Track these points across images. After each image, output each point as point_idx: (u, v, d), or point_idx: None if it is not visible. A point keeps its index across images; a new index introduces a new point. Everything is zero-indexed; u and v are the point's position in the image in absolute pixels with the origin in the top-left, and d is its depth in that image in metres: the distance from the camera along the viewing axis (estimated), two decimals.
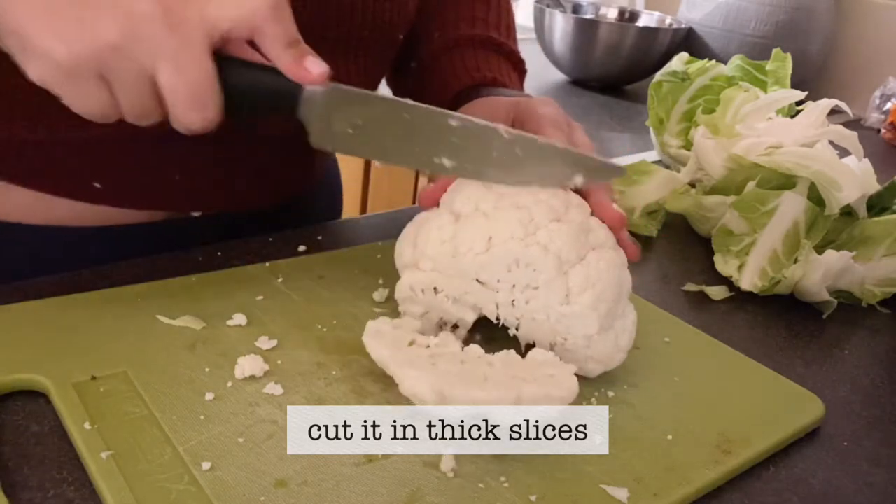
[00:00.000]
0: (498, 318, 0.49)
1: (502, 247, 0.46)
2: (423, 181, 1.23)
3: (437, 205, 0.52)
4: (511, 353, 0.46)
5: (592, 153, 0.49)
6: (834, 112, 0.82)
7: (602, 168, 0.49)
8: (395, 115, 0.48)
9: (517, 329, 0.49)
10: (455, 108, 0.61)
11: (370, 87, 0.68)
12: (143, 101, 0.43)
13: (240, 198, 0.66)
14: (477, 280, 0.48)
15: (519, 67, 0.71)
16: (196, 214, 0.65)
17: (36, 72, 0.41)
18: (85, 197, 0.60)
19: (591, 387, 0.49)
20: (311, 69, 0.45)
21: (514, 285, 0.47)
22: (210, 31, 0.42)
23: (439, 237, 0.49)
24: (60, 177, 0.58)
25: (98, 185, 0.59)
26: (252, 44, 0.45)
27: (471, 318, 0.49)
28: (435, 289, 0.49)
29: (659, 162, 0.96)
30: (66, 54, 0.40)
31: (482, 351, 0.46)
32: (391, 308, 0.53)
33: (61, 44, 0.40)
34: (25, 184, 0.58)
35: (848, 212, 0.71)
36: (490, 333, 0.50)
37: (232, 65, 0.44)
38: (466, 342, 0.50)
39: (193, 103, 0.43)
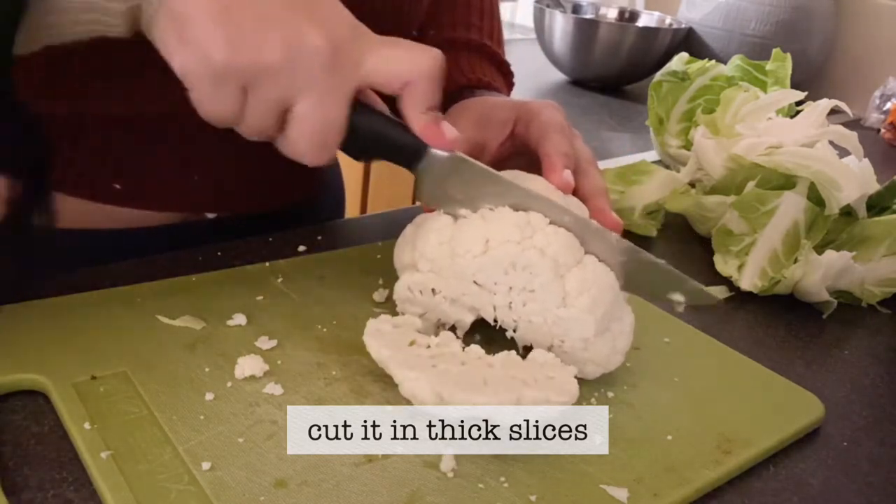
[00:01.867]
0: (495, 321, 0.49)
1: (499, 250, 0.47)
2: None
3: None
4: (511, 354, 0.46)
5: (687, 278, 0.51)
6: (834, 112, 0.82)
7: (701, 294, 0.50)
8: (510, 198, 0.48)
9: (514, 331, 0.49)
10: (447, 106, 0.61)
11: None
12: (269, 121, 0.43)
13: (254, 198, 0.67)
14: (474, 282, 0.48)
15: (508, 79, 0.72)
16: (211, 216, 0.65)
17: (185, 63, 0.40)
18: (104, 198, 0.60)
19: (590, 387, 0.49)
20: (447, 134, 0.47)
21: (510, 288, 0.47)
22: (363, 78, 0.43)
23: (437, 239, 0.49)
24: (81, 178, 0.59)
25: (118, 187, 0.59)
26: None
27: (468, 319, 0.49)
28: (433, 290, 0.49)
29: (659, 162, 0.96)
30: (225, 59, 0.39)
31: (482, 351, 0.46)
32: (391, 308, 0.53)
33: (225, 48, 0.39)
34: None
35: (848, 212, 0.71)
36: (490, 334, 0.50)
37: (364, 111, 0.45)
38: (467, 342, 0.50)
39: (317, 141, 0.43)
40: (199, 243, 0.62)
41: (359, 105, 0.45)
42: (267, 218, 0.68)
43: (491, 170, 0.49)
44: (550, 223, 0.48)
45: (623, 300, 0.50)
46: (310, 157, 0.44)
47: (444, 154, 0.47)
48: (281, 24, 0.40)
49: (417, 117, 0.46)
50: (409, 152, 0.48)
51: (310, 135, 0.43)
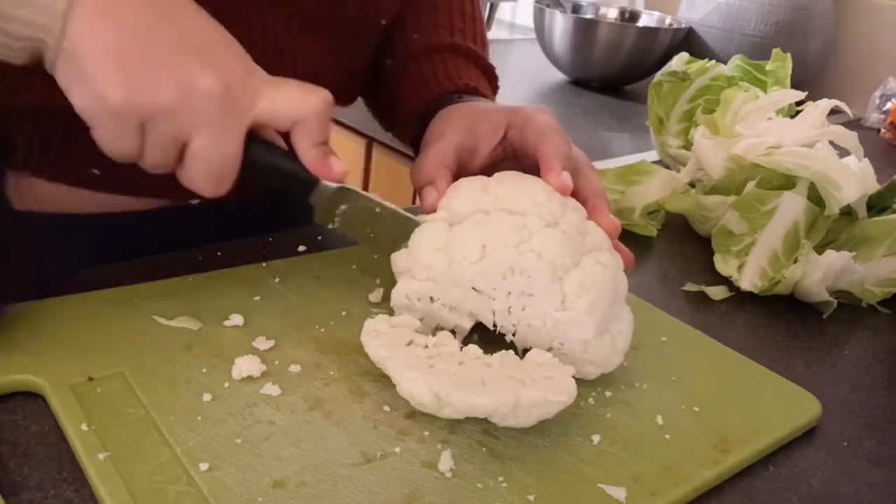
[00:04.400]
0: (494, 325, 0.48)
1: (496, 255, 0.46)
2: None
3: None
4: (509, 354, 0.46)
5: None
6: (834, 112, 0.82)
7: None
8: (395, 220, 0.53)
9: (514, 335, 0.48)
10: (434, 111, 0.61)
11: (351, 70, 0.68)
12: (168, 156, 0.45)
13: (238, 186, 0.67)
14: (473, 288, 0.47)
15: (494, 83, 0.72)
16: (194, 202, 0.65)
17: (82, 101, 0.42)
18: (83, 184, 0.60)
19: (588, 386, 0.49)
20: (335, 168, 0.49)
21: (509, 293, 0.47)
22: (255, 116, 0.45)
23: (433, 245, 0.48)
24: (59, 165, 0.59)
25: (97, 172, 0.59)
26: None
27: (467, 324, 0.49)
28: (431, 297, 0.49)
29: (659, 162, 0.96)
30: (121, 101, 0.41)
31: (480, 351, 0.46)
32: (388, 308, 0.53)
33: (120, 90, 0.41)
34: (24, 171, 0.58)
35: (848, 212, 0.71)
36: (488, 334, 0.50)
37: (258, 146, 0.48)
38: (464, 342, 0.49)
39: (214, 175, 0.45)
40: (182, 229, 0.62)
41: (254, 140, 0.47)
42: (251, 206, 0.68)
43: (377, 198, 0.52)
44: (546, 226, 0.48)
45: (622, 300, 0.50)
46: (207, 189, 0.46)
47: (333, 185, 0.51)
48: (174, 67, 0.42)
49: (307, 151, 0.49)
50: (302, 184, 0.50)
51: (206, 169, 0.45)
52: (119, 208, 0.62)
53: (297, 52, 0.59)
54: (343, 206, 0.52)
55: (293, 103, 0.47)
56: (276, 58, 0.58)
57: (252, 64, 0.47)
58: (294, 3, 0.52)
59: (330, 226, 0.53)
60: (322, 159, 0.49)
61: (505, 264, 0.46)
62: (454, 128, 0.58)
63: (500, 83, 0.72)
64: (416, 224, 0.52)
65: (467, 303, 0.48)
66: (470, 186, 0.51)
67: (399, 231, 0.53)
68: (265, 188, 0.51)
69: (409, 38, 0.69)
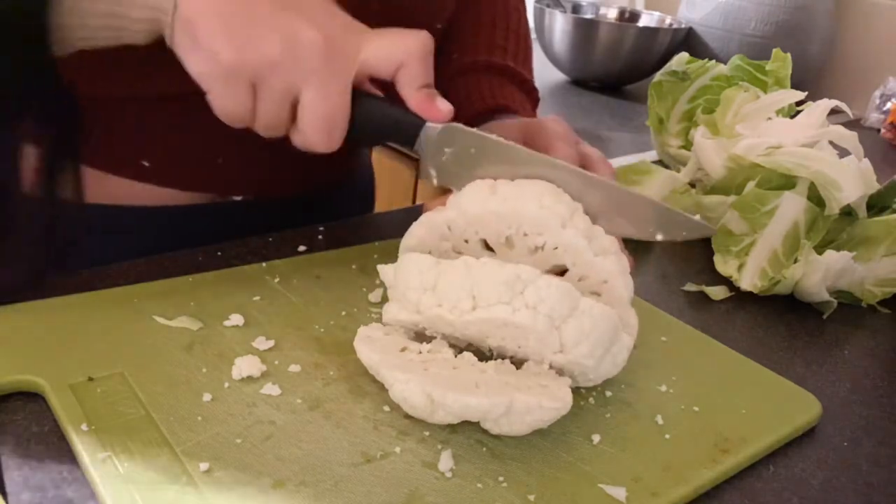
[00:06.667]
0: (490, 351, 0.48)
1: (488, 311, 0.44)
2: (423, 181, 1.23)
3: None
4: (505, 362, 0.46)
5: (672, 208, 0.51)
6: (834, 112, 0.82)
7: (695, 227, 0.50)
8: (506, 155, 0.51)
9: (511, 358, 0.47)
10: None
11: None
12: (280, 114, 0.47)
13: (279, 183, 0.68)
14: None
15: (532, 96, 0.73)
16: (237, 199, 0.66)
17: (197, 66, 0.45)
18: (130, 174, 0.61)
19: (588, 387, 0.49)
20: (441, 108, 0.50)
21: (503, 337, 0.45)
22: (360, 64, 0.47)
23: (420, 284, 0.46)
24: (109, 153, 0.60)
25: (146, 164, 0.61)
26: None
27: (462, 345, 0.48)
28: (423, 329, 0.48)
29: (659, 162, 0.96)
30: (231, 58, 0.44)
31: (475, 359, 0.46)
32: None
33: (229, 48, 0.44)
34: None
35: (848, 212, 0.70)
36: None
37: (363, 96, 0.49)
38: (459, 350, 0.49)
39: (325, 127, 0.47)
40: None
41: (359, 94, 0.48)
42: (293, 203, 0.69)
43: (486, 134, 0.51)
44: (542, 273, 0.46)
45: (628, 304, 0.49)
46: (320, 143, 0.48)
47: (438, 126, 0.50)
48: (276, 24, 0.45)
49: (412, 94, 0.49)
50: (407, 130, 0.50)
51: (318, 121, 0.46)
52: (163, 202, 0.63)
53: None
54: (448, 150, 0.51)
55: (395, 47, 0.48)
56: None
57: (351, 20, 0.49)
58: (359, 16, 0.53)
59: (436, 181, 0.52)
60: (427, 100, 0.50)
61: (498, 320, 0.44)
62: None
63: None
64: (531, 158, 0.50)
65: (458, 334, 0.47)
66: (479, 187, 0.51)
67: (509, 165, 0.50)
68: (373, 140, 0.51)
69: (448, 57, 0.71)
